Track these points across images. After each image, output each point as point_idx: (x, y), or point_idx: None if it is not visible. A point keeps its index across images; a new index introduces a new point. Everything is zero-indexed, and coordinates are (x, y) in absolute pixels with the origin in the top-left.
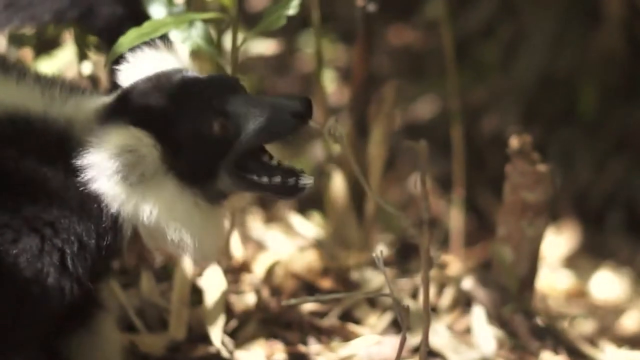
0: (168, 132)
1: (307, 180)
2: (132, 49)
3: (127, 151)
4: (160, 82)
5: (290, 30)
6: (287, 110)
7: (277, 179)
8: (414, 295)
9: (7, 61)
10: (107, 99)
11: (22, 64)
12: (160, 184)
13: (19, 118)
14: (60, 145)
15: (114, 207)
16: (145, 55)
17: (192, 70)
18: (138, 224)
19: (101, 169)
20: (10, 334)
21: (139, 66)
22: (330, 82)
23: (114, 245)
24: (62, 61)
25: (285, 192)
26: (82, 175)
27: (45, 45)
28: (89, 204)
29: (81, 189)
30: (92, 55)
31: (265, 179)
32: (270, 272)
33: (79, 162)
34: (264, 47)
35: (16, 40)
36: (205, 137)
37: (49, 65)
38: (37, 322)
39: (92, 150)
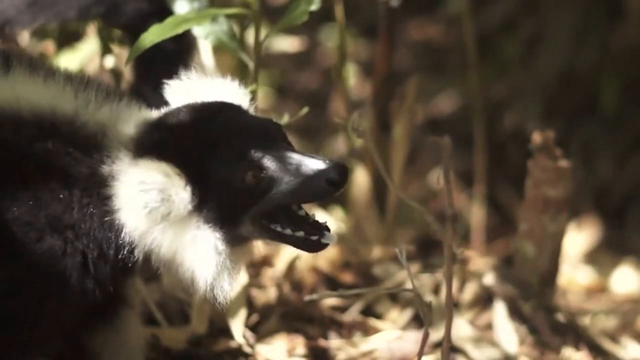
0: (200, 174)
1: (330, 239)
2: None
3: (156, 190)
4: (203, 118)
5: (312, 25)
6: (322, 176)
7: (301, 233)
8: (436, 291)
9: (35, 60)
10: (149, 116)
11: (50, 62)
12: (182, 223)
13: (46, 118)
14: (87, 151)
15: (133, 236)
16: (197, 80)
17: (241, 102)
18: (154, 256)
19: (127, 200)
20: (33, 333)
21: (188, 89)
22: (351, 76)
23: (132, 259)
24: (85, 54)
25: (306, 246)
26: (107, 202)
27: (68, 38)
28: (109, 218)
29: (101, 199)
30: (116, 49)
31: (288, 231)
32: (291, 266)
33: (105, 190)
34: (286, 43)
35: (38, 33)
36: (236, 187)
37: (71, 59)
38: (59, 321)
39: (121, 180)
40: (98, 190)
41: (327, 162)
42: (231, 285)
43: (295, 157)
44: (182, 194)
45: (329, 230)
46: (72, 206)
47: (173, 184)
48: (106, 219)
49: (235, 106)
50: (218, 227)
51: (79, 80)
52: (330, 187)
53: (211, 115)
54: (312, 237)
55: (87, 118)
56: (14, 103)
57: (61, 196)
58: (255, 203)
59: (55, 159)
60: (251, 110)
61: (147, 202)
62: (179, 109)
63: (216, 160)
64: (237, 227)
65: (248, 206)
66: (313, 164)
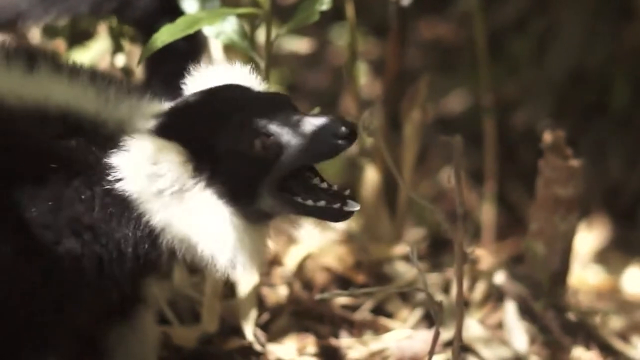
0: (208, 148)
1: (353, 207)
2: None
3: (151, 163)
4: (208, 97)
5: (322, 24)
6: (330, 132)
7: (322, 203)
8: (446, 290)
9: (58, 59)
10: (164, 107)
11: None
12: (196, 199)
13: (70, 116)
14: (107, 149)
15: (146, 216)
16: (210, 70)
17: (254, 86)
18: (171, 236)
19: (130, 175)
20: (49, 333)
21: (202, 80)
22: (362, 75)
23: (152, 253)
24: (96, 52)
25: (329, 216)
26: (115, 178)
27: (79, 37)
28: (127, 211)
29: (120, 195)
30: (127, 47)
31: (309, 202)
32: (302, 265)
33: (112, 164)
34: (297, 42)
35: (49, 31)
36: (246, 156)
37: (82, 57)
38: (75, 321)
39: (124, 155)
40: (114, 186)
41: (333, 118)
42: (253, 264)
43: (301, 119)
44: (182, 167)
45: (352, 198)
46: (94, 206)
47: (170, 158)
48: (124, 216)
49: (242, 85)
50: (233, 202)
51: (100, 78)
52: (340, 142)
53: (217, 94)
54: (334, 206)
55: (106, 116)
56: (40, 100)
57: (83, 196)
58: (268, 172)
59: (79, 158)
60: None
61: (143, 175)
62: (187, 95)
63: (222, 132)
64: (254, 201)
65: (261, 176)
66: (319, 122)
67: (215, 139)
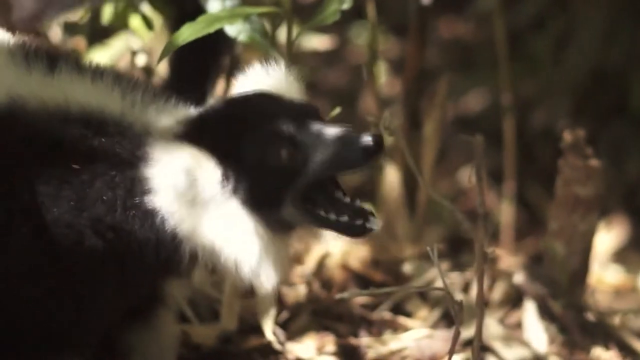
0: (235, 156)
1: (375, 224)
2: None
3: (182, 171)
4: (237, 105)
5: (342, 22)
6: (357, 144)
7: (345, 218)
8: (465, 289)
9: (82, 61)
10: (192, 112)
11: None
12: (221, 207)
13: (93, 118)
14: (132, 152)
15: (171, 223)
16: (248, 74)
17: (288, 90)
18: (195, 243)
19: (158, 183)
20: (70, 334)
21: (246, 82)
22: (382, 74)
23: (174, 257)
24: (115, 51)
25: (350, 231)
26: (142, 186)
27: (99, 34)
28: (151, 214)
29: (145, 200)
30: (147, 44)
31: (332, 216)
32: (321, 264)
33: (140, 172)
34: (317, 41)
35: (70, 29)
36: (272, 165)
37: (102, 55)
38: (96, 323)
39: (153, 163)
40: (141, 191)
41: (362, 133)
42: (277, 273)
43: (329, 131)
44: (211, 175)
45: (373, 215)
46: (116, 208)
47: (201, 165)
48: (147, 219)
49: (272, 94)
50: (257, 210)
51: (126, 81)
52: (366, 155)
53: (246, 102)
54: (356, 222)
55: (133, 118)
56: (61, 102)
57: (105, 197)
58: (293, 182)
59: (102, 159)
60: (300, 99)
61: (175, 184)
62: (216, 101)
63: (249, 141)
64: (278, 210)
65: (286, 186)
66: (347, 134)
67: (243, 148)
